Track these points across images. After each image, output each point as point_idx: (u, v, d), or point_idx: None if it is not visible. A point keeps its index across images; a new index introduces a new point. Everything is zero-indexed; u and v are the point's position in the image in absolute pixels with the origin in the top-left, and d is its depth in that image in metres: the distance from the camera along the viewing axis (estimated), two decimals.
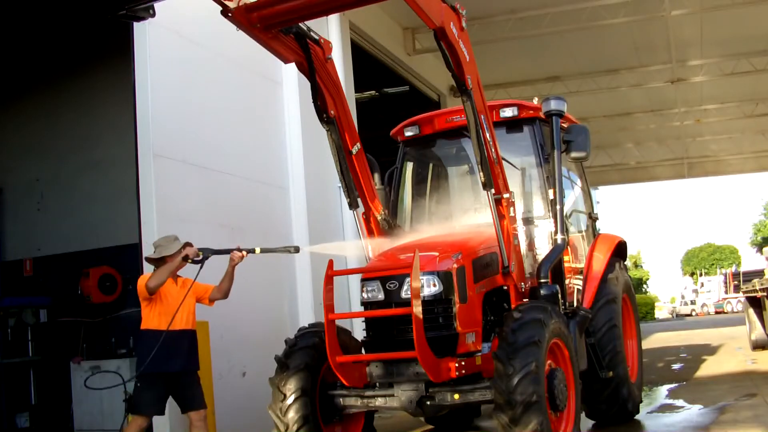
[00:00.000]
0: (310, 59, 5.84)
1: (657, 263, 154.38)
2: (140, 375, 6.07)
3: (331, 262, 5.84)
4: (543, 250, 6.82)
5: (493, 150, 5.96)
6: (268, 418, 6.14)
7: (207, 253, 6.09)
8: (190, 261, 6.06)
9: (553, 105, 6.88)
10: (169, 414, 6.93)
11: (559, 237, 6.68)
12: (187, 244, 6.17)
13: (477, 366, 5.76)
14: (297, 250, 6.60)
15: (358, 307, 6.30)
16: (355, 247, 6.99)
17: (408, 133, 7.57)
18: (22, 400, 10.53)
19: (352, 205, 6.62)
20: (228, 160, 8.64)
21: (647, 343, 13.81)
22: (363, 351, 6.14)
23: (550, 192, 6.79)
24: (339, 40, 10.83)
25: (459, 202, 7.54)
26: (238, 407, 7.49)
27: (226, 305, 6.57)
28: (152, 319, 6.10)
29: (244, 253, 6.23)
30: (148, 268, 7.19)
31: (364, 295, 5.90)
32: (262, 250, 6.38)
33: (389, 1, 5.57)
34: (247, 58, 8.65)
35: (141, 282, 6.09)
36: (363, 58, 13.36)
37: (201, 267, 6.07)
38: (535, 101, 7.22)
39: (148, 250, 7.22)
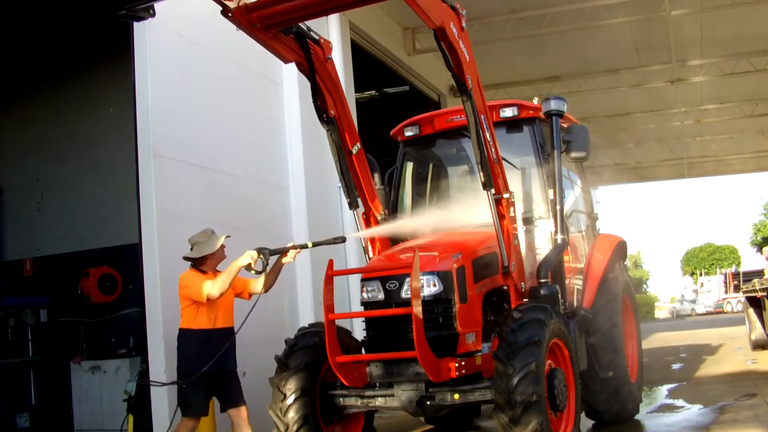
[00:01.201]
0: (310, 59, 5.84)
1: (657, 263, 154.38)
2: (185, 375, 6.03)
3: (331, 262, 5.85)
4: (543, 250, 6.82)
5: (493, 150, 5.96)
6: (268, 418, 6.15)
7: (266, 256, 5.90)
8: (253, 271, 5.88)
9: (553, 105, 6.88)
10: (169, 414, 6.93)
11: (559, 237, 6.68)
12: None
13: (477, 366, 5.77)
14: (343, 240, 6.60)
15: (358, 307, 6.30)
16: (396, 228, 6.90)
17: (408, 133, 7.58)
18: (22, 400, 10.52)
19: (352, 205, 6.63)
20: (228, 160, 8.64)
21: (647, 343, 13.81)
22: (363, 351, 6.15)
23: (550, 192, 6.79)
24: (339, 40, 10.83)
25: (459, 202, 7.54)
26: None
27: None
28: (195, 317, 6.03)
29: (299, 249, 6.19)
30: (149, 268, 7.20)
31: (364, 295, 5.91)
32: (314, 244, 6.35)
33: (389, 1, 5.58)
34: (247, 58, 8.65)
35: (195, 287, 5.96)
36: (363, 58, 13.36)
37: (264, 271, 5.95)
38: (535, 101, 7.22)
39: (148, 250, 7.22)
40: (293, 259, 6.20)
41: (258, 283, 6.19)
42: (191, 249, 6.20)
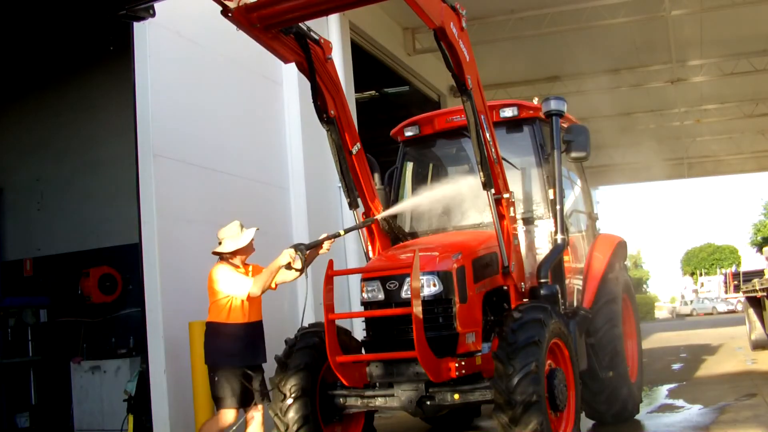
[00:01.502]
0: (310, 59, 5.84)
1: (657, 263, 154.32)
2: (220, 369, 6.05)
3: (331, 262, 5.86)
4: (543, 250, 6.82)
5: (493, 150, 5.96)
6: (268, 418, 6.15)
7: (303, 252, 5.94)
8: (294, 269, 5.95)
9: (553, 105, 6.88)
10: (169, 414, 6.93)
11: (559, 237, 6.68)
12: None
13: (477, 366, 5.77)
14: (373, 221, 6.69)
15: (358, 307, 6.30)
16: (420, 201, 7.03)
17: (408, 133, 7.58)
18: (22, 400, 10.52)
19: (352, 205, 6.63)
20: (228, 160, 8.64)
21: (647, 343, 13.81)
22: (363, 351, 6.15)
23: (550, 192, 6.78)
24: (339, 40, 10.83)
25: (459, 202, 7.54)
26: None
27: None
28: (229, 312, 6.06)
29: (332, 239, 6.25)
30: (149, 268, 7.19)
31: (364, 295, 5.91)
32: (345, 231, 6.50)
33: (389, 1, 5.59)
34: (247, 58, 8.65)
35: (232, 282, 6.02)
36: (363, 58, 13.36)
37: (303, 267, 6.00)
38: (535, 101, 7.22)
39: (148, 250, 7.22)
40: (328, 249, 6.24)
41: (285, 273, 6.19)
42: (219, 243, 6.22)
